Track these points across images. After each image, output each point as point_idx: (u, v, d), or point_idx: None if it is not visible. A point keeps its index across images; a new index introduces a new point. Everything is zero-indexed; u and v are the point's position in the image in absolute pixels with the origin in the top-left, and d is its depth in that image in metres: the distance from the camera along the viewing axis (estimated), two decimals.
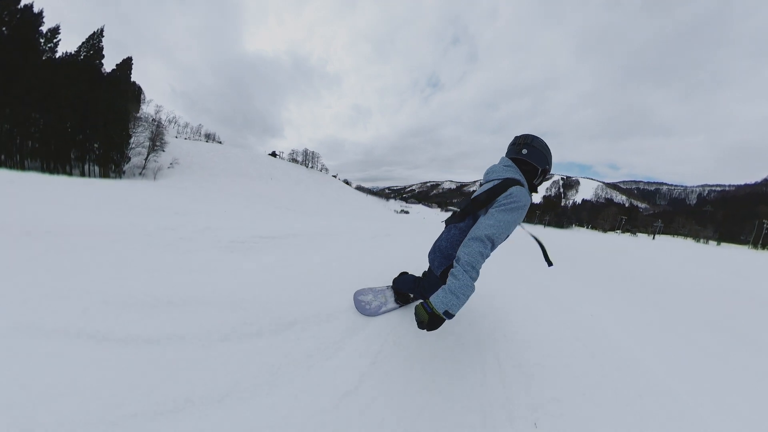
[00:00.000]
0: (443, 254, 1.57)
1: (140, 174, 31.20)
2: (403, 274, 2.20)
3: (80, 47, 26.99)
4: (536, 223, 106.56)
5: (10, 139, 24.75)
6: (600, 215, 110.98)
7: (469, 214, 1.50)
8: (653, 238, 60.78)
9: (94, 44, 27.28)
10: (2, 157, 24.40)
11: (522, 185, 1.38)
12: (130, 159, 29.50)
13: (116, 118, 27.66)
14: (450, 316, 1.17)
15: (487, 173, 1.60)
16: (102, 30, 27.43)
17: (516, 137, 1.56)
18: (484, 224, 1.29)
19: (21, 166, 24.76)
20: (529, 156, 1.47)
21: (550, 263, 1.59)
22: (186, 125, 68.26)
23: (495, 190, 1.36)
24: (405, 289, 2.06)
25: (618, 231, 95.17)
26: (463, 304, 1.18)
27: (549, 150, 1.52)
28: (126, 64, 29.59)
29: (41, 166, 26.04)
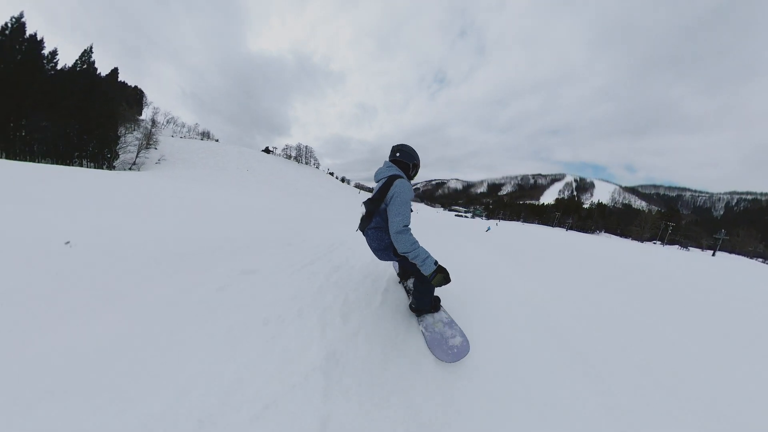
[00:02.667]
0: (380, 249, 1.95)
1: (129, 168, 36.75)
2: (412, 292, 2.15)
3: (75, 62, 32.29)
4: (555, 226, 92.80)
5: (27, 144, 30.51)
6: (635, 220, 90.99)
7: (373, 214, 1.87)
8: (713, 254, 42.74)
9: (86, 59, 32.55)
10: (24, 157, 30.25)
11: (402, 177, 1.87)
12: (119, 156, 34.91)
13: (106, 122, 33.00)
14: (436, 271, 1.68)
15: (376, 175, 2.03)
16: (92, 47, 32.65)
17: (393, 146, 2.11)
18: (396, 221, 1.70)
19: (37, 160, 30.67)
20: (401, 157, 2.04)
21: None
22: (183, 125, 74.34)
23: (384, 187, 1.80)
24: (429, 294, 2.00)
25: (657, 241, 74.92)
26: (431, 261, 1.69)
27: (415, 151, 2.11)
28: (114, 74, 34.68)
29: (53, 162, 31.88)
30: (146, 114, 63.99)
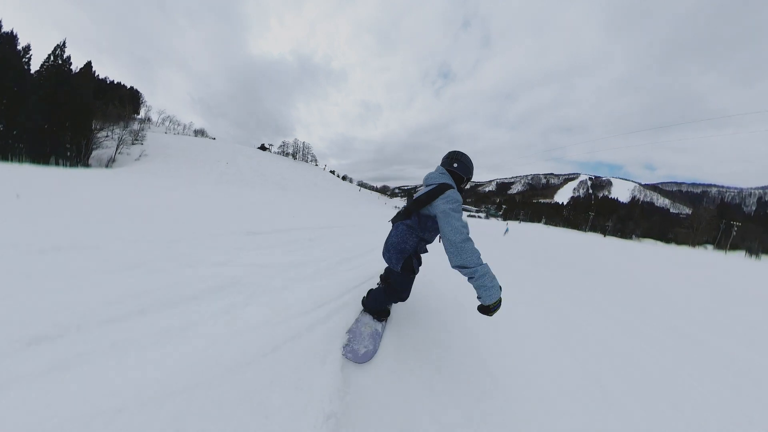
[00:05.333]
0: (397, 249, 1.84)
1: (106, 165, 37.06)
2: (371, 292, 2.24)
3: (47, 57, 32.71)
4: (586, 230, 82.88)
5: (5, 140, 31.11)
6: (685, 222, 76.20)
7: (413, 212, 1.83)
8: None
9: (59, 54, 32.92)
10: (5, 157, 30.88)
11: (453, 188, 1.76)
12: (92, 152, 35.22)
13: (79, 116, 33.29)
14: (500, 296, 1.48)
15: (426, 178, 1.95)
16: (65, 42, 32.96)
17: (449, 152, 1.96)
18: (457, 227, 1.53)
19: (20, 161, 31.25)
20: (458, 169, 1.90)
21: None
22: (178, 123, 75.79)
23: (434, 192, 1.73)
24: (379, 304, 2.11)
25: (707, 245, 60.64)
26: (497, 282, 1.44)
27: (472, 163, 1.97)
28: (87, 68, 35.05)
29: (31, 161, 32.43)
30: (143, 113, 65.78)
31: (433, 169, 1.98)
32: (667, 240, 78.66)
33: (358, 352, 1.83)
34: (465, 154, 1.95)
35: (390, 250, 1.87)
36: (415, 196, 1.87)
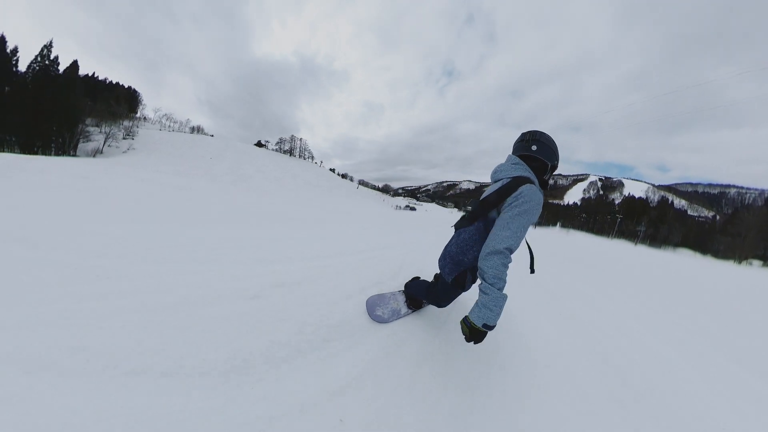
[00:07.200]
0: (453, 260, 1.55)
1: (93, 156, 39.16)
2: (416, 279, 2.21)
3: (35, 58, 34.83)
4: (612, 237, 69.97)
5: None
6: (728, 226, 61.14)
7: (479, 217, 1.47)
8: None
9: (47, 54, 35.00)
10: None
11: (533, 182, 1.37)
12: (78, 144, 37.24)
13: (64, 112, 35.32)
14: (490, 327, 1.22)
15: (494, 172, 1.57)
16: (51, 42, 35.03)
17: (523, 134, 1.57)
18: (501, 236, 1.26)
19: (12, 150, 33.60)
20: (538, 152, 1.47)
21: (533, 271, 1.62)
22: (175, 120, 78.69)
23: (506, 189, 1.36)
24: (418, 294, 2.02)
25: (753, 260, 49.49)
26: (499, 315, 1.21)
27: (556, 145, 1.52)
28: (74, 66, 37.08)
29: (21, 151, 34.72)
30: (140, 111, 68.69)
31: (502, 160, 1.62)
32: (704, 251, 60.81)
33: (374, 310, 1.99)
34: (545, 133, 1.52)
35: (446, 257, 1.60)
36: (483, 195, 1.53)
